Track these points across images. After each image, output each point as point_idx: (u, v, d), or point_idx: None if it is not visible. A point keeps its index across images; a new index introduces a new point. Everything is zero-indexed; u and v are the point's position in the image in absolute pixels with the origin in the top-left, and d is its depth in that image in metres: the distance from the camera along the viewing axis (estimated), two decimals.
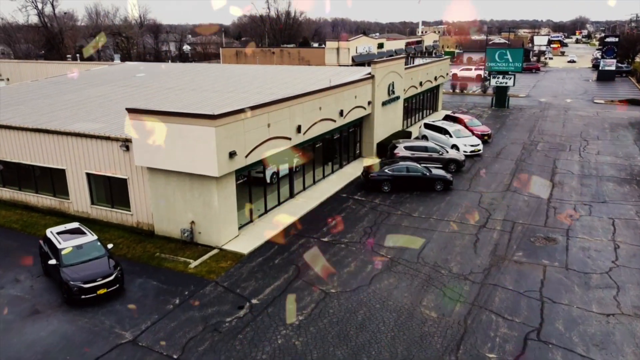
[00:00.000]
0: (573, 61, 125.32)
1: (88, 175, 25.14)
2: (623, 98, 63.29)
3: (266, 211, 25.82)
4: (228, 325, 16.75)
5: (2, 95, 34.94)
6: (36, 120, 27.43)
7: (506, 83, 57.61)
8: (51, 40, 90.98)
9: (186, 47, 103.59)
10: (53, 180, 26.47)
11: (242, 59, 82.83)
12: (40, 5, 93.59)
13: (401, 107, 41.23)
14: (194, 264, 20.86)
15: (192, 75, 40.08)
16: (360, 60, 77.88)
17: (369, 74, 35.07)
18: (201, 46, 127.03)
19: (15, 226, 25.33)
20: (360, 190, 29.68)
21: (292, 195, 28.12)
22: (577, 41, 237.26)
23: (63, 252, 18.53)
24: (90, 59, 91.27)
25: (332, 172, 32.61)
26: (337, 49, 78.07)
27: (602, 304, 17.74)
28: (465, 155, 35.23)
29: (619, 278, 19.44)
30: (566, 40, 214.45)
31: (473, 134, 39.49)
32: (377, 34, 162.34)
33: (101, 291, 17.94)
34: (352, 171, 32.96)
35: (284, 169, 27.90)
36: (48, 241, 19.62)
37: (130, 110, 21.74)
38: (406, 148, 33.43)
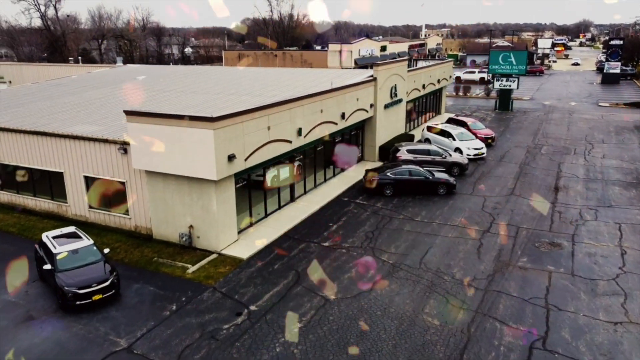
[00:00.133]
0: (577, 64, 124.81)
1: (86, 178, 24.83)
2: (628, 101, 62.71)
3: (266, 215, 25.45)
4: (225, 332, 16.37)
5: (1, 97, 34.73)
6: (35, 122, 27.16)
7: (510, 86, 57.19)
8: (54, 43, 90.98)
9: (188, 50, 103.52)
10: (51, 183, 26.18)
11: (245, 62, 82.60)
12: (43, 8, 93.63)
13: (404, 110, 40.85)
14: (192, 269, 20.49)
15: (193, 77, 39.81)
16: (363, 63, 77.54)
17: (371, 76, 34.72)
18: (204, 49, 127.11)
19: (12, 230, 25.03)
20: (362, 194, 29.28)
21: (292, 199, 27.75)
22: (581, 44, 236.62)
23: (58, 257, 18.19)
24: (93, 61, 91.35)
25: (334, 175, 32.23)
26: (340, 51, 77.78)
27: (610, 311, 17.28)
28: (468, 158, 34.81)
29: (627, 285, 18.97)
30: (570, 43, 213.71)
31: (476, 137, 39.06)
32: (380, 37, 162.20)
33: (96, 297, 17.59)
34: (353, 174, 32.56)
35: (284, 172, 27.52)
36: (43, 245, 19.29)
37: (128, 113, 21.44)
38: (409, 151, 33.03)
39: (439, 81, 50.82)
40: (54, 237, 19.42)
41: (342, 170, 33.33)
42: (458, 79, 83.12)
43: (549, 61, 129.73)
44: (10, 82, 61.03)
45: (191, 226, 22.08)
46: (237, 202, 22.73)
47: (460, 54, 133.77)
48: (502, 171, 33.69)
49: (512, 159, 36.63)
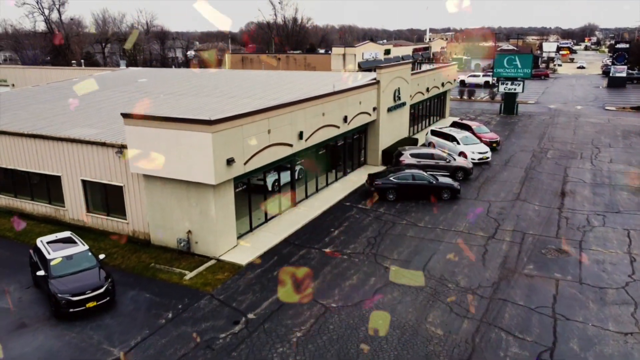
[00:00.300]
0: (582, 67, 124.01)
1: (84, 182, 24.45)
2: (635, 105, 61.99)
3: (266, 220, 24.98)
4: (222, 341, 15.88)
5: (2, 100, 34.46)
6: (33, 125, 26.82)
7: (515, 89, 56.61)
8: (57, 47, 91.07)
9: (190, 53, 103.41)
10: (48, 187, 25.81)
11: (248, 65, 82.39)
12: (47, 12, 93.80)
13: (407, 114, 40.35)
14: (189, 275, 20.03)
15: (194, 80, 39.46)
16: (366, 67, 77.11)
17: (374, 79, 34.26)
18: (208, 53, 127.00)
19: (8, 234, 24.66)
20: (364, 198, 28.76)
21: (293, 203, 27.25)
22: (587, 48, 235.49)
23: (52, 263, 17.77)
24: (97, 64, 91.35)
25: (336, 179, 31.74)
26: (344, 55, 77.41)
27: (619, 321, 16.69)
28: (473, 162, 34.25)
29: (637, 293, 18.37)
30: (575, 47, 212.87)
31: (481, 141, 38.52)
32: (385, 40, 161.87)
33: (90, 304, 17.14)
34: (356, 179, 32.06)
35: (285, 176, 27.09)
36: (38, 251, 18.89)
37: (126, 116, 21.05)
38: (412, 155, 32.52)
39: (443, 84, 50.32)
40: (48, 243, 19.00)
41: (345, 174, 32.85)
42: (462, 82, 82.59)
43: (554, 65, 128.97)
44: (13, 85, 60.98)
45: (189, 231, 21.63)
46: (237, 206, 22.27)
47: (464, 57, 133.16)
48: (507, 176, 33.12)
49: (518, 163, 36.05)
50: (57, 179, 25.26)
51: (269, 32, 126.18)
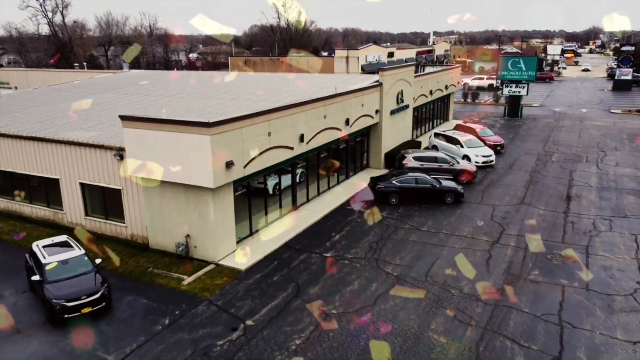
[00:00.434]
0: (587, 70, 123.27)
1: (82, 185, 24.15)
2: None
3: (267, 224, 24.61)
4: (219, 349, 15.50)
5: (2, 102, 34.27)
6: (32, 127, 26.57)
7: (519, 92, 56.13)
8: (61, 49, 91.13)
9: (192, 55, 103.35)
10: (47, 190, 25.54)
11: (251, 68, 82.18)
12: (50, 15, 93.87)
13: (410, 116, 39.96)
14: (187, 280, 19.66)
15: (196, 82, 39.21)
16: (370, 69, 76.72)
17: (377, 81, 33.90)
18: (211, 55, 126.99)
19: (6, 238, 24.36)
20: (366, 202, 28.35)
21: (295, 207, 26.88)
22: (591, 51, 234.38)
23: (47, 268, 17.44)
24: (100, 67, 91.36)
25: (338, 183, 31.36)
26: (347, 57, 77.05)
27: (628, 330, 16.22)
28: (477, 166, 33.81)
29: None
30: (579, 50, 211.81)
31: (485, 144, 38.06)
32: (388, 43, 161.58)
33: (86, 310, 16.79)
34: (358, 182, 31.66)
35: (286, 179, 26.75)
36: (33, 255, 18.56)
37: (124, 118, 20.74)
38: (415, 158, 32.11)
39: (446, 87, 49.92)
40: (44, 247, 18.68)
41: (347, 177, 32.47)
42: (466, 85, 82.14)
43: (559, 68, 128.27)
44: (16, 87, 60.94)
45: (188, 235, 21.28)
46: (236, 210, 21.92)
47: (468, 60, 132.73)
48: (511, 179, 32.66)
49: (522, 167, 35.58)
50: (55, 182, 24.98)
51: (272, 35, 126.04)
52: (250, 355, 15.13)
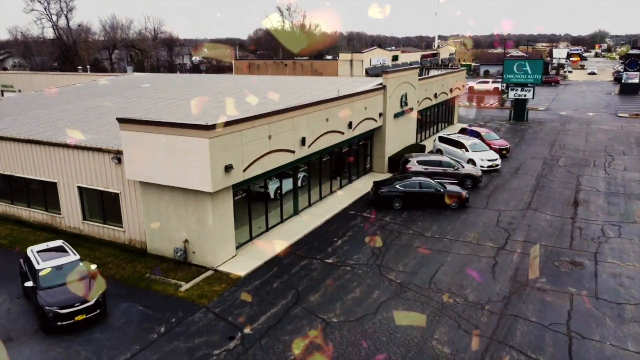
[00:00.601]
0: (593, 73, 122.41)
1: (80, 189, 23.78)
2: None
3: (267, 229, 24.14)
4: (216, 358, 15.02)
5: (3, 105, 34.03)
6: (31, 130, 26.25)
7: (525, 95, 55.52)
8: (65, 53, 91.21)
9: (195, 59, 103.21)
10: (45, 193, 25.18)
11: (255, 71, 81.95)
12: (54, 18, 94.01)
13: (414, 120, 39.42)
14: (185, 286, 19.20)
15: (198, 86, 38.87)
16: (374, 73, 76.30)
17: (381, 84, 33.43)
18: (215, 59, 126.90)
19: (3, 242, 24.00)
20: (369, 207, 27.86)
21: (296, 212, 26.41)
22: (597, 55, 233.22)
23: (40, 274, 17.02)
24: (104, 70, 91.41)
25: (340, 187, 30.86)
26: (351, 60, 76.69)
27: (639, 341, 15.63)
28: (482, 170, 33.23)
29: None
30: (585, 54, 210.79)
31: (491, 148, 37.50)
32: (393, 47, 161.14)
33: (79, 317, 16.35)
34: (361, 186, 31.18)
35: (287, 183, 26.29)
36: (28, 260, 18.16)
37: (122, 121, 20.36)
38: (419, 162, 31.60)
39: (451, 90, 49.39)
40: (38, 252, 18.29)
41: (349, 181, 31.97)
42: (471, 88, 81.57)
43: (565, 71, 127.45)
44: (19, 90, 60.91)
45: (186, 240, 20.83)
46: (236, 215, 21.47)
47: (473, 64, 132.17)
48: (517, 184, 32.07)
49: (528, 171, 34.98)
50: (53, 186, 24.62)
51: (277, 39, 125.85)
52: None
